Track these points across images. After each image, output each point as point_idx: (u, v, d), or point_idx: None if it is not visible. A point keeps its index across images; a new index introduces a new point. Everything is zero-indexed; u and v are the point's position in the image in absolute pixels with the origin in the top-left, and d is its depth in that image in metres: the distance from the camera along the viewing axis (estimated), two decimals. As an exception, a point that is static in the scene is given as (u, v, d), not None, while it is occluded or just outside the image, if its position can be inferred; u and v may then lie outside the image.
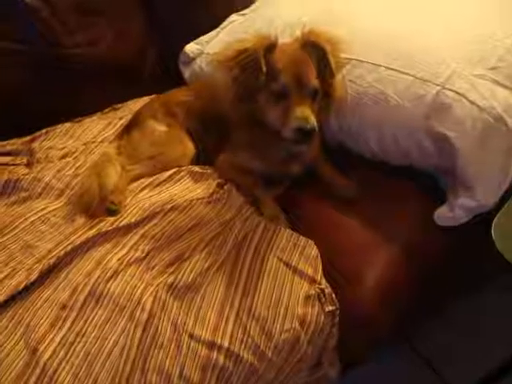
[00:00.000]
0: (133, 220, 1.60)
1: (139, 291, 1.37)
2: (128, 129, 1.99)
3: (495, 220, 1.15)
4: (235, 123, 1.66)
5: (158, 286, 1.39)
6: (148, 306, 1.33)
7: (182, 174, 1.82)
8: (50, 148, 1.95)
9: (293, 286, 1.38)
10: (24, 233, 1.56)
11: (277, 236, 1.52)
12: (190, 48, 2.23)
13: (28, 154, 1.94)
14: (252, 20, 2.06)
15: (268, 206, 1.66)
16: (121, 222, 1.60)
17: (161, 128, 1.91)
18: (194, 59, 2.31)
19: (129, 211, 1.64)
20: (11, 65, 2.01)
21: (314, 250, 1.48)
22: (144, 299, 1.35)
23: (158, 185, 1.77)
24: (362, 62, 1.62)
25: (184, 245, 1.51)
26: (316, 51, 1.50)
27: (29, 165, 1.91)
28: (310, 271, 1.41)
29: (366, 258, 1.42)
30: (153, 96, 2.15)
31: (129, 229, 1.57)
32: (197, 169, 1.84)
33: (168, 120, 1.93)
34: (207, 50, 2.26)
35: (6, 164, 1.91)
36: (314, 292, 1.38)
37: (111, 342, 1.22)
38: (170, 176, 1.80)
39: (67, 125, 2.10)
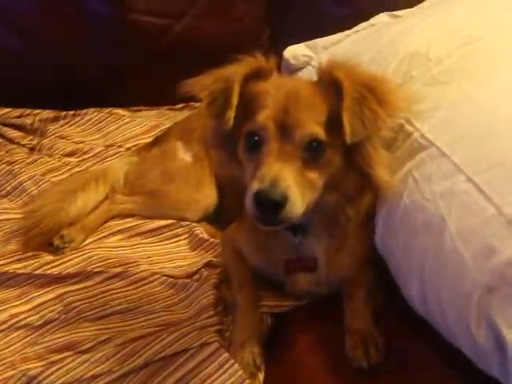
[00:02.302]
0: (66, 271, 1.67)
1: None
2: (152, 144, 2.05)
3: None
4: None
5: (18, 373, 1.42)
6: None
7: (179, 231, 1.84)
8: (62, 137, 2.20)
9: None
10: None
11: (221, 374, 1.44)
12: (295, 52, 2.09)
13: (40, 136, 2.24)
14: (404, 26, 1.91)
15: (241, 326, 1.57)
16: (52, 267, 1.69)
17: (185, 157, 1.94)
18: (298, 69, 2.29)
19: (72, 256, 1.72)
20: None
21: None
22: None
23: (139, 234, 1.83)
24: (445, 155, 1.34)
25: (93, 331, 1.53)
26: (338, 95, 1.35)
27: (33, 150, 2.18)
28: None
29: None
30: (200, 108, 2.07)
31: (52, 281, 1.65)
32: (201, 232, 1.83)
33: (199, 150, 1.94)
34: (317, 61, 2.18)
35: (11, 140, 2.22)
36: None
37: None
38: (161, 227, 1.84)
39: (107, 113, 2.38)
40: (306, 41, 2.22)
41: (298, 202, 1.31)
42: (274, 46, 2.50)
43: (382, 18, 2.12)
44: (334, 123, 1.35)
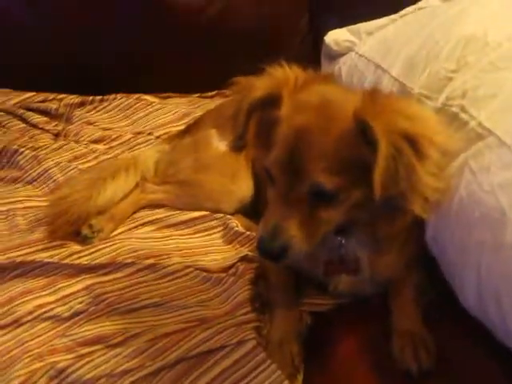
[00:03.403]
0: (95, 262, 1.68)
1: (21, 363, 1.45)
2: (184, 132, 2.05)
3: None
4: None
5: (46, 365, 1.43)
6: None
7: (213, 223, 1.83)
8: (89, 123, 2.22)
9: None
10: (-23, 222, 1.76)
11: (258, 374, 1.44)
12: (337, 37, 2.09)
13: (65, 121, 2.26)
14: (457, 10, 1.87)
15: (279, 324, 1.57)
16: (80, 257, 1.69)
17: (220, 145, 1.91)
18: (340, 55, 2.28)
19: (101, 247, 1.72)
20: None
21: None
22: (15, 375, 1.42)
23: (170, 226, 1.83)
24: (505, 144, 1.31)
25: (124, 325, 1.53)
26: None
27: (58, 136, 2.19)
28: None
29: None
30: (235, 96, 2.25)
31: (80, 271, 1.66)
32: (236, 225, 1.83)
33: None
34: (361, 47, 2.19)
35: (35, 125, 2.23)
36: None
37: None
38: (194, 219, 1.84)
39: (136, 99, 2.39)
40: (345, 26, 2.21)
41: (301, 248, 1.34)
42: (313, 31, 2.48)
43: (432, 1, 2.09)
44: (357, 165, 1.30)
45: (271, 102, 1.38)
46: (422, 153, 1.24)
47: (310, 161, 1.29)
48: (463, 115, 1.43)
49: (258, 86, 1.40)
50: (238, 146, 1.48)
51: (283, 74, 1.43)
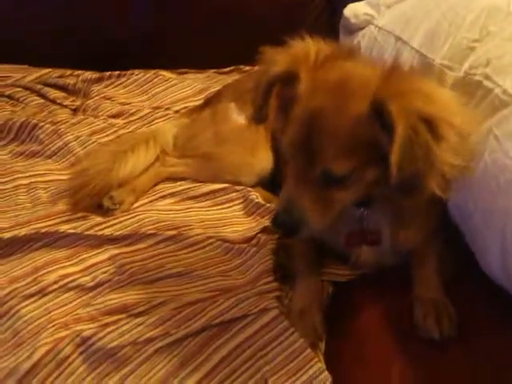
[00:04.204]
0: (118, 233, 1.72)
1: (47, 332, 1.48)
2: (203, 106, 2.08)
3: None
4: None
5: (72, 334, 1.47)
6: (37, 356, 1.43)
7: (233, 195, 1.87)
8: (107, 98, 2.25)
9: None
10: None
11: (281, 342, 1.46)
12: (356, 10, 2.10)
13: (83, 96, 2.30)
14: None
15: (301, 293, 1.59)
16: (102, 228, 1.74)
17: (239, 119, 1.94)
18: (359, 28, 2.29)
19: (123, 218, 1.77)
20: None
21: (323, 393, 1.36)
22: (42, 342, 1.45)
23: (191, 198, 1.87)
24: None
25: (147, 294, 1.58)
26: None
27: (76, 111, 2.23)
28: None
29: None
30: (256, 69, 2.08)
31: (103, 242, 1.70)
32: (256, 197, 1.85)
33: None
34: (380, 20, 2.19)
35: (53, 101, 2.27)
36: None
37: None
38: (214, 191, 1.87)
39: (153, 74, 2.42)
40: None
41: (315, 224, 1.38)
42: (329, 6, 2.49)
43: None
44: (371, 145, 1.30)
45: (290, 78, 1.39)
46: (439, 134, 1.24)
47: (322, 145, 1.31)
48: (487, 83, 1.44)
49: (278, 60, 1.41)
50: (257, 119, 1.50)
51: (304, 49, 1.42)
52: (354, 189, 1.37)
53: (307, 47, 1.42)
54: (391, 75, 1.32)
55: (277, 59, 1.42)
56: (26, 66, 2.62)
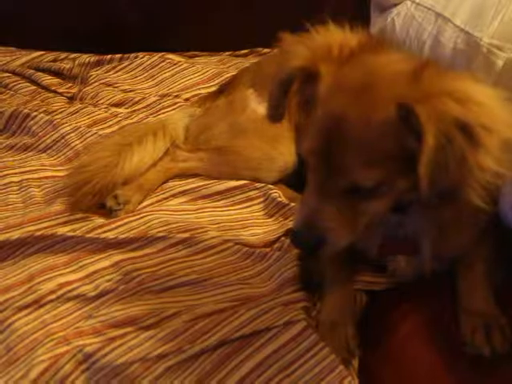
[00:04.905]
0: (123, 236, 1.71)
1: (44, 347, 1.48)
2: (218, 93, 2.06)
3: None
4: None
5: (73, 350, 1.47)
6: (34, 374, 1.43)
7: (253, 194, 1.88)
8: (108, 85, 2.23)
9: None
10: (-11, 196, 1.76)
11: (309, 358, 1.46)
12: None
13: (80, 82, 2.28)
14: None
15: (331, 303, 1.59)
16: (106, 231, 1.72)
17: (258, 108, 1.95)
18: (393, 4, 2.27)
19: (129, 220, 1.76)
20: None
21: (357, 414, 1.33)
22: (39, 359, 1.45)
23: (205, 197, 1.88)
24: None
25: (157, 304, 1.58)
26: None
27: (73, 99, 2.21)
28: None
29: None
30: (276, 51, 2.07)
31: (106, 246, 1.69)
32: (279, 196, 1.86)
33: None
34: None
35: (46, 88, 2.25)
36: None
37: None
38: (231, 189, 1.89)
39: (160, 58, 2.42)
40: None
41: (339, 241, 1.38)
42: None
43: None
44: (402, 154, 1.28)
45: (310, 75, 1.36)
46: (477, 142, 1.19)
47: (347, 154, 1.28)
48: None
49: (297, 54, 1.38)
50: (273, 117, 1.49)
51: (326, 41, 1.39)
52: (384, 201, 1.35)
53: (330, 39, 1.40)
54: (422, 73, 1.26)
55: (296, 52, 1.38)
56: (14, 49, 2.60)
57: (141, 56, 2.46)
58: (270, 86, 1.46)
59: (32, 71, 2.43)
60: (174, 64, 2.43)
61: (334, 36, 1.39)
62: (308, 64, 1.37)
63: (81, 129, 2.11)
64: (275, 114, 1.48)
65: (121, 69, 2.40)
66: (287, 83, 1.40)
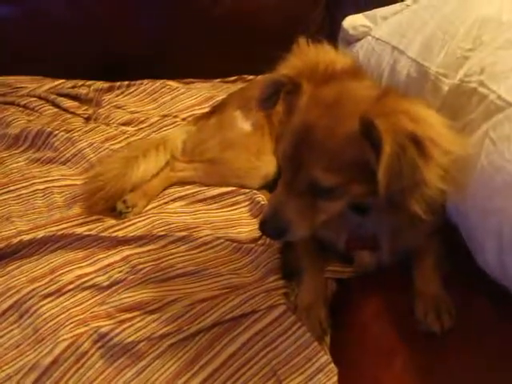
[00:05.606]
0: (131, 234, 1.72)
1: (65, 328, 1.49)
2: (210, 114, 2.08)
3: None
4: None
5: (90, 330, 1.48)
6: (57, 351, 1.44)
7: (240, 198, 1.87)
8: (118, 107, 2.26)
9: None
10: (17, 201, 1.91)
11: (289, 336, 1.47)
12: (354, 22, 2.09)
13: (95, 105, 2.30)
14: None
15: (306, 289, 1.58)
16: (116, 230, 1.74)
17: (244, 125, 1.96)
18: (357, 39, 2.29)
19: (136, 220, 1.77)
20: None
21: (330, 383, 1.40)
22: (61, 338, 1.47)
23: (200, 201, 1.87)
24: None
25: (161, 292, 1.58)
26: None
27: (88, 119, 2.23)
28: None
29: None
30: (260, 77, 2.19)
31: (117, 243, 1.71)
32: (262, 199, 1.85)
33: (259, 118, 1.95)
34: (377, 31, 2.01)
35: (66, 110, 2.26)
36: None
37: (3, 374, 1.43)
38: (222, 194, 1.88)
39: (161, 84, 2.43)
40: (362, 10, 2.22)
41: (298, 232, 1.40)
42: (330, 15, 2.50)
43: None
44: (359, 163, 1.29)
45: (294, 87, 1.39)
46: (426, 154, 1.22)
47: (311, 158, 1.31)
48: (482, 89, 1.43)
49: (290, 64, 1.42)
50: (263, 105, 1.50)
51: (315, 59, 1.42)
52: (340, 201, 1.38)
53: (320, 56, 1.43)
54: (383, 97, 1.30)
55: (290, 61, 1.43)
56: (41, 77, 2.61)
57: (145, 83, 2.47)
58: (260, 88, 1.48)
59: (55, 96, 2.44)
60: (173, 89, 2.44)
61: (326, 55, 1.43)
62: (294, 75, 1.40)
63: (95, 144, 2.12)
64: (265, 105, 1.50)
65: (128, 93, 2.40)
66: (278, 83, 1.43)
